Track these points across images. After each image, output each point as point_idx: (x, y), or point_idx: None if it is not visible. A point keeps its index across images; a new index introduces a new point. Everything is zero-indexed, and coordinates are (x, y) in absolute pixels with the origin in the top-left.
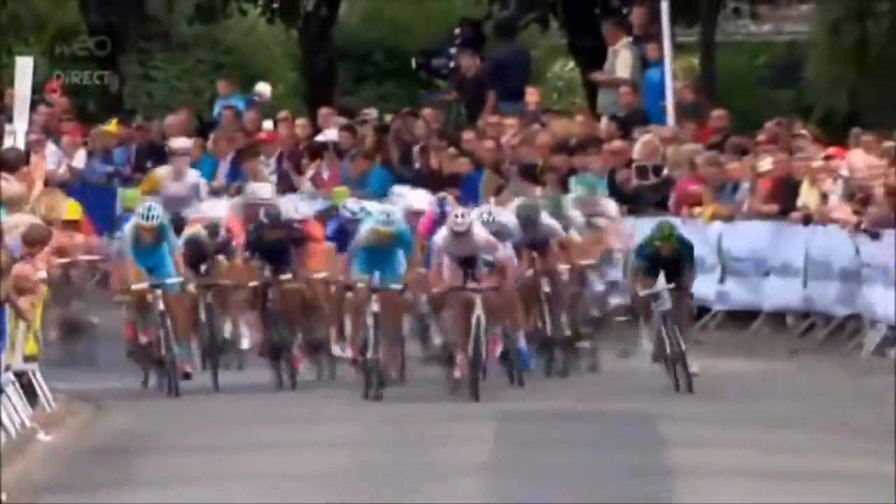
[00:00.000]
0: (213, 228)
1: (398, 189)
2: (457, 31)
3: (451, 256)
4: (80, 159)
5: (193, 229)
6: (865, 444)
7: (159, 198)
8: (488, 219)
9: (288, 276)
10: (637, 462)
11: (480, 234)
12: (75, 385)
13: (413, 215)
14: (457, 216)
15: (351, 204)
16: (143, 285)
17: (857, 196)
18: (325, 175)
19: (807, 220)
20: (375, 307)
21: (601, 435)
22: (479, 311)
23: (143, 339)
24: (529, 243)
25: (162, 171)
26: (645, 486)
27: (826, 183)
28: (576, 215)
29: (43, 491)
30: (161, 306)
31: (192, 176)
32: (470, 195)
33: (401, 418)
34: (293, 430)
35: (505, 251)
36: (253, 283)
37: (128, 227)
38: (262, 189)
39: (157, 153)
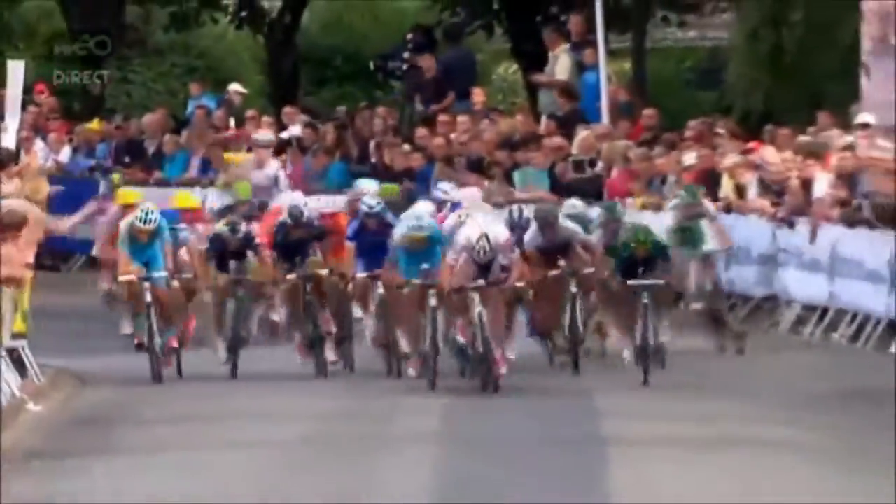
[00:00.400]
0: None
1: (361, 182)
2: (409, 36)
3: (469, 260)
4: (64, 154)
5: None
6: (781, 413)
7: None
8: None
9: (325, 270)
10: (573, 433)
11: (500, 237)
12: (61, 361)
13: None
14: (479, 249)
15: (368, 199)
16: (132, 277)
17: (773, 188)
18: (289, 170)
19: (728, 209)
20: (433, 301)
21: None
22: (478, 307)
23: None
24: (548, 246)
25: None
26: (577, 454)
27: (744, 176)
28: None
29: (31, 457)
30: (149, 298)
31: (273, 167)
32: (422, 188)
33: (353, 393)
34: (277, 402)
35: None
36: (291, 278)
37: (123, 225)
38: (369, 185)
39: (136, 149)
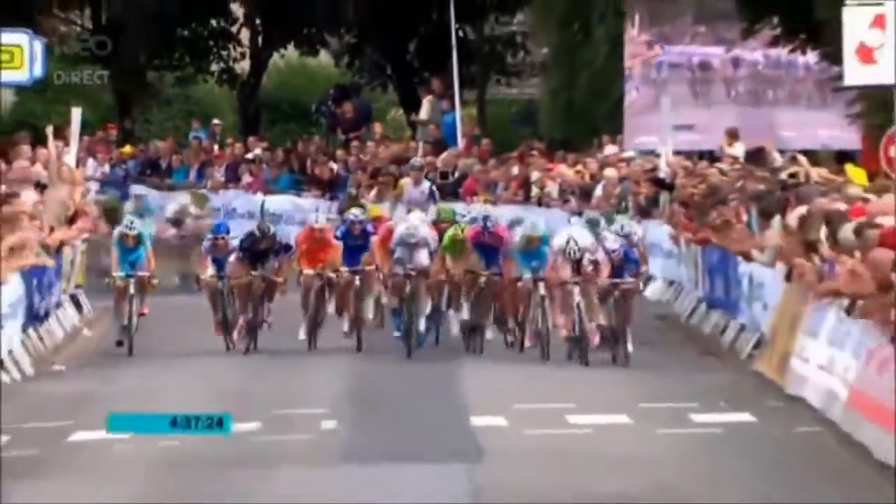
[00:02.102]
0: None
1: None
2: (332, 91)
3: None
4: (106, 168)
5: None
6: None
7: (403, 200)
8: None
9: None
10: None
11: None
12: (105, 303)
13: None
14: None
15: (355, 211)
16: (121, 274)
17: (567, 191)
18: (251, 178)
19: (540, 203)
20: (542, 291)
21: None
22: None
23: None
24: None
25: (405, 181)
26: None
27: (548, 183)
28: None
29: (85, 364)
30: (132, 290)
31: (426, 184)
32: (340, 190)
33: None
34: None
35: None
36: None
37: (115, 233)
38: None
39: (154, 165)
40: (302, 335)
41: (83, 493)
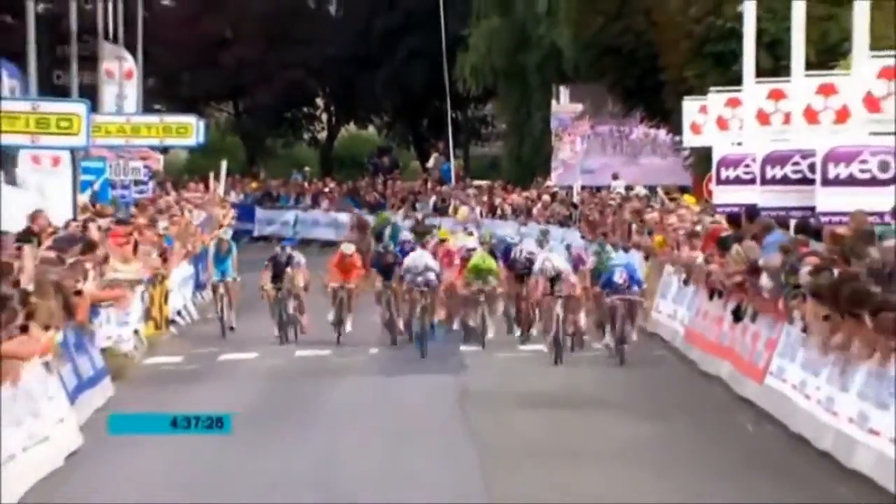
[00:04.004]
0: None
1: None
2: (375, 150)
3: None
4: (241, 197)
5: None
6: None
7: (467, 223)
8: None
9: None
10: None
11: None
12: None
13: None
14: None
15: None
16: (216, 279)
17: (518, 210)
18: (328, 203)
19: (501, 217)
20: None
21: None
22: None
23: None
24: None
25: (464, 208)
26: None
27: (506, 205)
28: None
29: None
30: (222, 290)
31: (476, 211)
32: (380, 209)
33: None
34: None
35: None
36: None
37: (212, 244)
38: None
39: (270, 194)
40: (331, 318)
41: (226, 392)
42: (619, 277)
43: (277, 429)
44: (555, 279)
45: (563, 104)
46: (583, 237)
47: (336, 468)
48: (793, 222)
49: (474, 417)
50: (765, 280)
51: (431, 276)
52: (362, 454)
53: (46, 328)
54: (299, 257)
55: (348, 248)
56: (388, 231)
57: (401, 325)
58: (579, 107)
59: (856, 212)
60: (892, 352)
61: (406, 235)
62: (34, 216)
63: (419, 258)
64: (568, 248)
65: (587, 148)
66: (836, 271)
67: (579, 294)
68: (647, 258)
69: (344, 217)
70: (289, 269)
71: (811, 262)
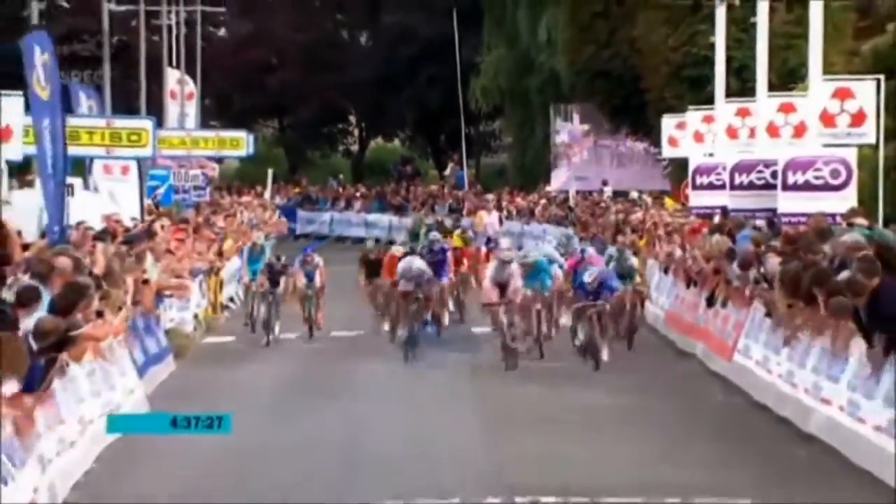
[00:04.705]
0: (272, 263)
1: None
2: (399, 158)
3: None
4: (284, 201)
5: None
6: None
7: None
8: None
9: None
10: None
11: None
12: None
13: None
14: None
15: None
16: (248, 278)
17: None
18: (360, 205)
19: (508, 217)
20: (538, 306)
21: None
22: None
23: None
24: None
25: (482, 213)
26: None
27: (512, 207)
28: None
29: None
30: (254, 288)
31: (494, 214)
32: (404, 211)
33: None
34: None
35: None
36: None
37: (245, 248)
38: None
39: (309, 198)
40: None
41: (271, 366)
42: (588, 277)
43: (315, 398)
44: (504, 286)
45: (575, 123)
46: (580, 238)
47: (362, 431)
48: (759, 222)
49: (480, 389)
50: (734, 271)
51: (424, 279)
52: (386, 419)
53: (119, 310)
54: (318, 260)
55: (398, 250)
56: (423, 231)
57: (386, 326)
58: (587, 126)
59: (815, 213)
60: (842, 332)
61: (435, 235)
62: (107, 218)
63: (411, 262)
64: (567, 250)
65: (588, 158)
66: (798, 263)
67: (519, 301)
68: (635, 254)
69: (373, 217)
70: (282, 279)
71: (775, 255)
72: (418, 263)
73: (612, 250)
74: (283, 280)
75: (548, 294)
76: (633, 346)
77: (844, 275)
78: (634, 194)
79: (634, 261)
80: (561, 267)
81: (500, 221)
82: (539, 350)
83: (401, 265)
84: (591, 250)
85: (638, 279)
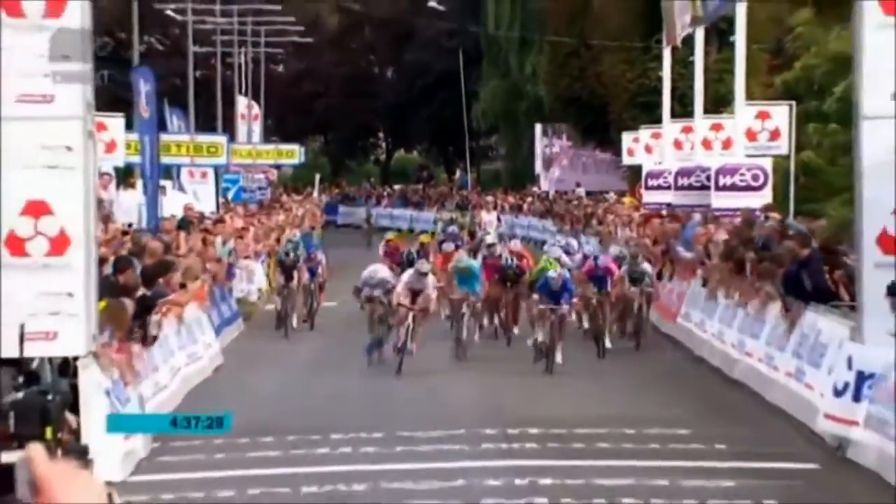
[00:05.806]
0: (286, 254)
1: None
2: (420, 165)
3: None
4: (327, 199)
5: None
6: None
7: (482, 222)
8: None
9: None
10: None
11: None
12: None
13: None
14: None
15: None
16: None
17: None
18: (387, 202)
19: (502, 211)
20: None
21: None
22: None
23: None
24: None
25: (483, 212)
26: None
27: (505, 204)
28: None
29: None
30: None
31: (493, 214)
32: (422, 206)
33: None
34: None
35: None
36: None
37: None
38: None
39: (347, 197)
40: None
41: (316, 330)
42: (553, 274)
43: (352, 364)
44: (417, 293)
45: (564, 139)
46: (558, 229)
47: (388, 391)
48: (696, 216)
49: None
50: (680, 251)
51: (388, 286)
52: (406, 373)
53: (196, 280)
54: (321, 257)
55: (448, 247)
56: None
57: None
58: (569, 143)
59: (744, 208)
60: (762, 297)
61: (453, 229)
62: (186, 209)
63: (375, 271)
64: (567, 251)
65: (567, 165)
66: (737, 240)
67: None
68: (601, 242)
69: (398, 211)
70: (295, 272)
71: (718, 238)
72: (383, 272)
73: (625, 253)
74: (295, 273)
75: (474, 298)
76: (640, 346)
77: (778, 249)
78: (612, 196)
79: (647, 266)
80: (570, 271)
81: (499, 220)
82: (508, 341)
83: (365, 272)
84: (603, 257)
85: (648, 281)
